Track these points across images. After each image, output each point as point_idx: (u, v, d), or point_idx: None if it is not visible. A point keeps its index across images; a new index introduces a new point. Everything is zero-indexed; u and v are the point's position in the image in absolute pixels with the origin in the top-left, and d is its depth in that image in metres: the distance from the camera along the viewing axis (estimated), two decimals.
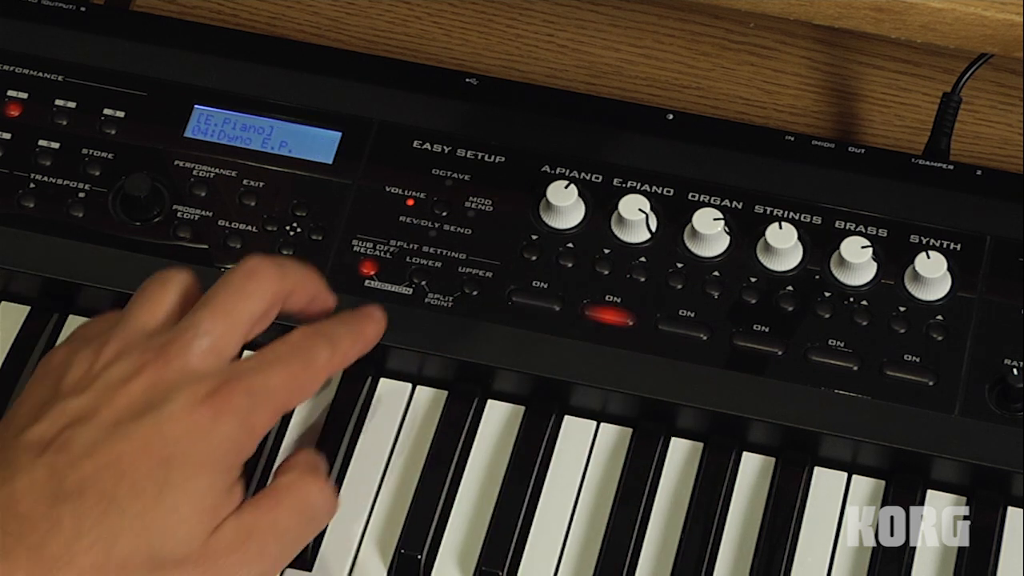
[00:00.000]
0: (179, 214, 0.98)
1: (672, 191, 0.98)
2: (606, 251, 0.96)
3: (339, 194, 0.98)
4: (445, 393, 0.96)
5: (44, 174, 0.99)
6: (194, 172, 0.99)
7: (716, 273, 0.95)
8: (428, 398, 0.96)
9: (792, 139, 0.99)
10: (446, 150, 0.99)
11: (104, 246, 0.97)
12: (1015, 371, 0.91)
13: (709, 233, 0.95)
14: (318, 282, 0.88)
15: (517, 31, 1.12)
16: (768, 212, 0.97)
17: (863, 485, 0.93)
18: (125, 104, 1.01)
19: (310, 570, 0.91)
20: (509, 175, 0.99)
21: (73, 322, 0.99)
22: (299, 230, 0.97)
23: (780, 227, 0.95)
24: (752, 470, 0.94)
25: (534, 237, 0.97)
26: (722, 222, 0.96)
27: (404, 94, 1.01)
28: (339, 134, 1.00)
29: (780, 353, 0.93)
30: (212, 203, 0.98)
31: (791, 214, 0.97)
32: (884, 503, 0.92)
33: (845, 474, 0.93)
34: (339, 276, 0.96)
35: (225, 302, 0.84)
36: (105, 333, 0.85)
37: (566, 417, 0.95)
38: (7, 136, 1.00)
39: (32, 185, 0.99)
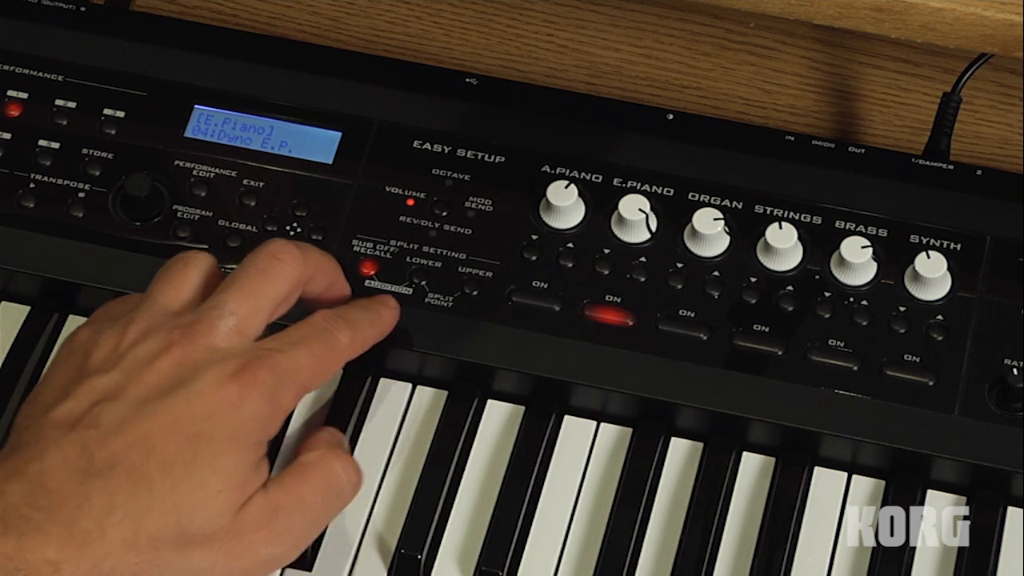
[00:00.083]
0: (179, 214, 0.98)
1: (672, 191, 0.98)
2: (606, 251, 0.96)
3: (339, 194, 0.98)
4: (445, 393, 0.96)
5: (44, 174, 0.99)
6: (194, 172, 0.99)
7: (716, 273, 0.95)
8: (428, 398, 0.96)
9: (792, 139, 0.99)
10: (446, 150, 0.99)
11: (104, 246, 0.97)
12: (1015, 371, 0.91)
13: (709, 233, 0.95)
14: (336, 269, 0.91)
15: (517, 31, 1.12)
16: (768, 212, 0.97)
17: (863, 485, 0.93)
18: (125, 104, 1.01)
19: (310, 570, 0.91)
20: (509, 175, 0.99)
21: (73, 322, 0.99)
22: (299, 230, 0.97)
23: (780, 227, 0.95)
24: (752, 470, 0.94)
25: (534, 237, 0.97)
26: (722, 222, 0.96)
27: (404, 94, 1.01)
28: (339, 134, 1.00)
29: (780, 353, 0.93)
30: (212, 203, 0.98)
31: (791, 214, 0.97)
32: (884, 503, 0.92)
33: (845, 474, 0.93)
34: None
35: (250, 283, 0.86)
36: (129, 313, 0.86)
37: (566, 417, 0.95)
38: (7, 136, 1.00)
39: (32, 185, 0.99)
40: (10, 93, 1.02)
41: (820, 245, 0.96)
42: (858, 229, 0.96)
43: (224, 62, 1.02)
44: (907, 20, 0.98)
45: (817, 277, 0.95)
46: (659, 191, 0.98)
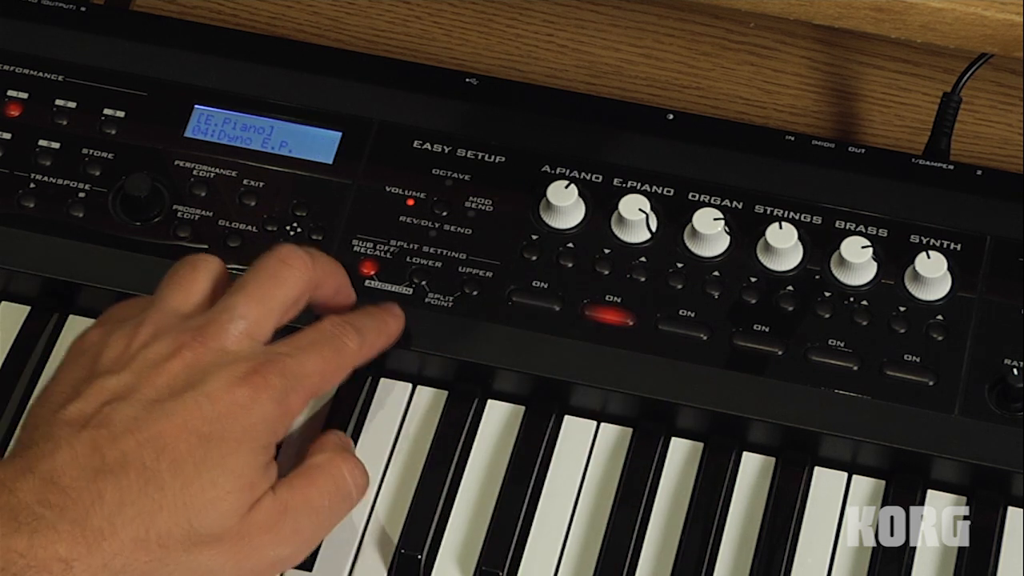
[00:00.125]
0: (179, 214, 0.98)
1: (672, 191, 0.98)
2: (606, 251, 0.96)
3: (339, 194, 0.98)
4: (445, 393, 0.96)
5: (44, 174, 0.99)
6: (194, 172, 0.99)
7: (716, 273, 0.95)
8: (428, 398, 0.96)
9: (792, 139, 0.99)
10: (446, 150, 0.99)
11: (104, 246, 0.98)
12: (1015, 371, 0.91)
13: (709, 233, 0.95)
14: (344, 275, 0.91)
15: (517, 31, 1.12)
16: (768, 212, 0.97)
17: (863, 485, 0.93)
18: (125, 104, 1.01)
19: (310, 570, 0.91)
20: (509, 175, 0.99)
21: (73, 322, 0.99)
22: (299, 230, 0.97)
23: (780, 227, 0.95)
24: (752, 470, 0.94)
25: (534, 237, 0.97)
26: (722, 222, 0.96)
27: (404, 94, 1.01)
28: (339, 134, 1.00)
29: (780, 353, 0.93)
30: (212, 203, 0.98)
31: (791, 214, 0.97)
32: (884, 503, 0.92)
33: (845, 474, 0.93)
34: None
35: (260, 288, 0.86)
36: (138, 315, 0.87)
37: (566, 417, 0.95)
38: (7, 136, 1.00)
39: (32, 185, 0.99)
40: (10, 93, 1.02)
41: (820, 245, 0.96)
42: (858, 229, 0.96)
43: (224, 62, 1.02)
44: (907, 20, 0.98)
45: (817, 277, 0.95)
46: (659, 191, 0.98)
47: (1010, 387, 0.91)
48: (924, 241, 0.96)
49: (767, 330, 0.94)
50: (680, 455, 0.94)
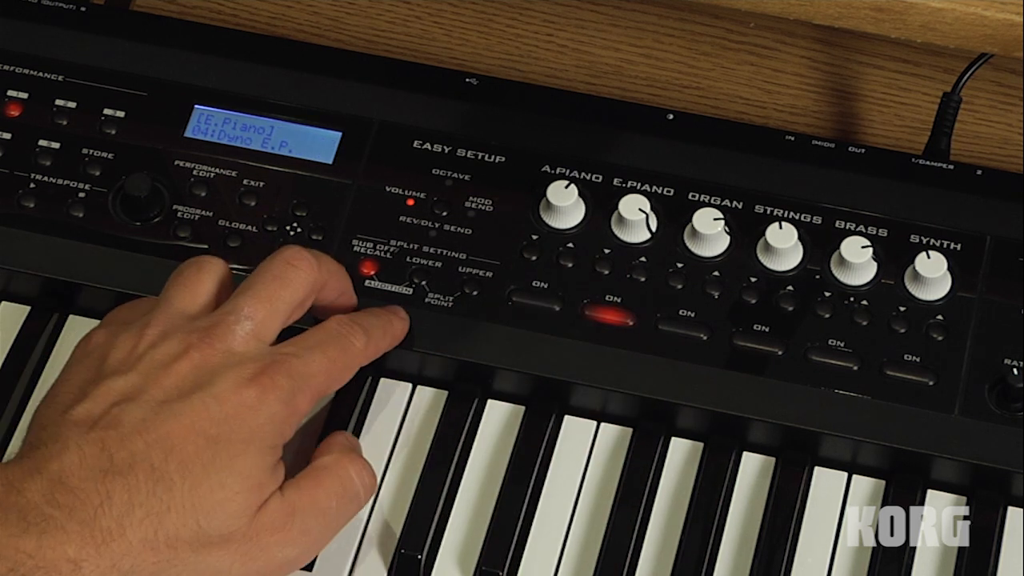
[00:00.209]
0: (179, 214, 0.98)
1: (672, 191, 0.98)
2: (606, 251, 0.96)
3: (339, 194, 0.98)
4: (445, 393, 0.96)
5: (44, 174, 0.99)
6: (194, 172, 0.99)
7: (716, 273, 0.95)
8: (428, 398, 0.96)
9: (792, 139, 0.99)
10: (446, 150, 0.99)
11: (104, 246, 0.98)
12: (1015, 371, 0.91)
13: (709, 233, 0.95)
14: (347, 278, 0.92)
15: (517, 31, 1.12)
16: (768, 212, 0.97)
17: (863, 485, 0.93)
18: (125, 104, 1.01)
19: (310, 570, 0.91)
20: (509, 175, 0.99)
21: (73, 322, 0.99)
22: (299, 230, 0.97)
23: (780, 227, 0.95)
24: (752, 470, 0.94)
25: (534, 237, 0.97)
26: (722, 222, 0.96)
27: (404, 94, 1.01)
28: (339, 134, 1.00)
29: (780, 353, 0.93)
30: (212, 203, 0.98)
31: (791, 214, 0.97)
32: (884, 503, 0.92)
33: (845, 474, 0.93)
34: None
35: (266, 289, 0.87)
36: (145, 316, 0.87)
37: (566, 417, 0.95)
38: (7, 136, 1.00)
39: (32, 185, 0.99)
40: (10, 93, 1.02)
41: (820, 245, 0.96)
42: (858, 229, 0.96)
43: (224, 62, 1.02)
44: (907, 20, 0.98)
45: (817, 277, 0.95)
46: (659, 191, 0.98)
47: (1010, 387, 0.91)
48: (924, 241, 0.96)
49: (767, 330, 0.94)
50: (680, 455, 0.94)
